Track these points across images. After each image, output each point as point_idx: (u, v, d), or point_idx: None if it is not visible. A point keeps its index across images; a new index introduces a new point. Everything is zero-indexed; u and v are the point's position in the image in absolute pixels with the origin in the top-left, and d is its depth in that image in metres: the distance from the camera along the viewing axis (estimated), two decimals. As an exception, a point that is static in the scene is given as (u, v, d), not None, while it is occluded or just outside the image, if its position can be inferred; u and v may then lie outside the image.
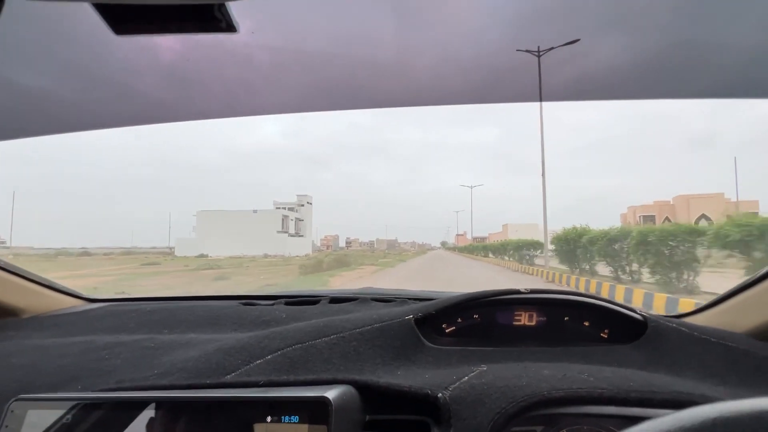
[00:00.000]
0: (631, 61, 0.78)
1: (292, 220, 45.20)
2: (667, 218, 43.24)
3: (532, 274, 14.51)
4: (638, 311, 0.80)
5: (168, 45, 1.00)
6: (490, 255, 31.82)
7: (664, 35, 0.75)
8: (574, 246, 11.80)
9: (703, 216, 39.95)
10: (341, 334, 0.68)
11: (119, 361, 0.68)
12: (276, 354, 0.63)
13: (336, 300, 1.05)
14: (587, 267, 11.47)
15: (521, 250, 20.37)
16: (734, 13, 0.71)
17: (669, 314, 0.96)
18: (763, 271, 0.79)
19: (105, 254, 36.31)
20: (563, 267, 13.27)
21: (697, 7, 0.71)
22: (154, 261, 25.30)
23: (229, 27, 0.52)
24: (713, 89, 0.81)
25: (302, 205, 49.34)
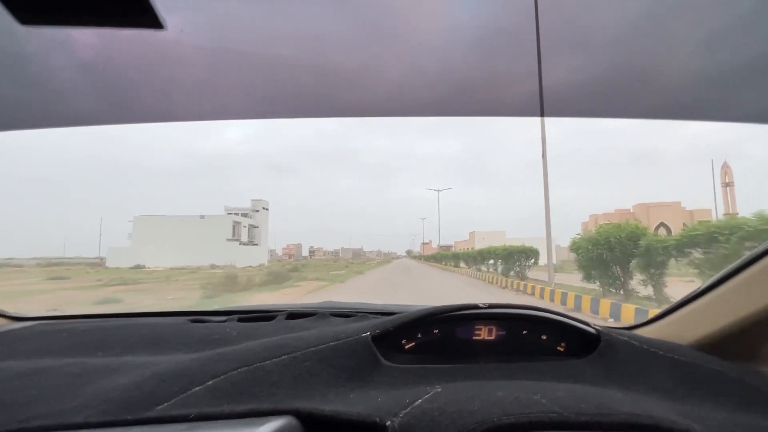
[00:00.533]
0: (581, 82, 0.89)
1: (245, 226, 43.46)
2: (626, 227, 46.93)
3: (535, 294, 10.89)
4: (592, 325, 0.85)
5: (85, 40, 0.94)
6: (462, 264, 29.03)
7: (610, 58, 0.84)
8: (622, 253, 8.27)
9: (662, 224, 43.89)
10: (293, 354, 0.67)
11: (35, 392, 0.62)
12: (219, 379, 0.60)
13: (293, 315, 1.04)
14: (644, 288, 8.05)
15: (509, 260, 16.62)
16: (673, 39, 0.82)
17: (621, 326, 1.05)
18: (706, 285, 0.86)
19: (16, 266, 32.68)
20: (588, 285, 9.54)
21: (640, 34, 0.82)
22: (60, 275, 21.64)
23: (155, 23, 0.50)
24: (653, 110, 0.93)
25: (257, 211, 47.61)
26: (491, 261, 20.16)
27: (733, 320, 0.78)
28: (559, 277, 14.80)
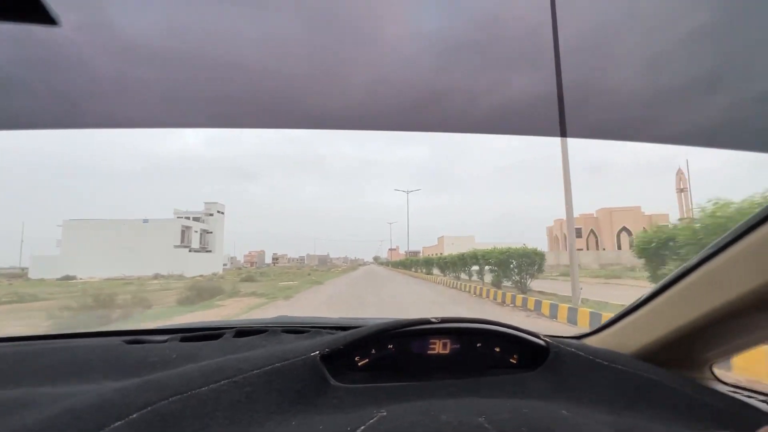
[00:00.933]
0: (536, 98, 0.91)
1: (196, 231, 41.54)
2: (592, 231, 49.88)
3: (559, 317, 7.57)
4: (542, 336, 0.90)
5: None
6: (436, 271, 25.77)
7: (565, 75, 0.86)
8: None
9: (624, 228, 47.10)
10: (233, 379, 0.64)
11: None
12: (144, 411, 0.56)
13: (242, 333, 1.02)
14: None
15: (504, 266, 13.27)
16: (621, 59, 0.86)
17: (571, 335, 1.10)
18: (647, 294, 0.92)
19: None
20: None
21: (590, 53, 0.86)
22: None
23: (46, 19, 0.45)
24: (599, 130, 0.98)
25: (211, 215, 45.71)
26: (475, 267, 17.40)
27: (669, 330, 0.84)
28: (557, 286, 13.02)
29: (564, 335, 1.05)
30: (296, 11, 0.80)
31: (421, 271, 30.83)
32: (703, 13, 0.75)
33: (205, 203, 46.38)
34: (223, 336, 1.00)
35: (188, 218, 42.21)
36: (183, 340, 0.99)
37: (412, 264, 37.54)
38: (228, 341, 0.96)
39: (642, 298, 0.93)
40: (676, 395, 0.73)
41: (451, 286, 17.76)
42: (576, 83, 0.90)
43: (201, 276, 31.78)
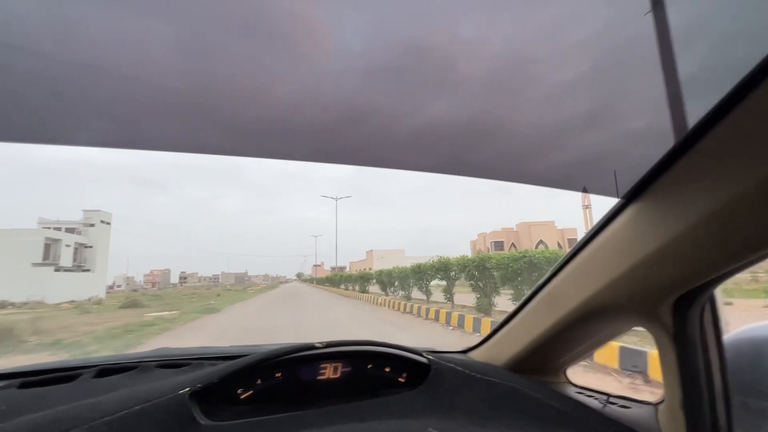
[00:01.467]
0: (450, 125, 0.94)
1: (68, 245, 33.38)
2: (513, 244, 52.44)
3: None
4: (425, 354, 0.96)
5: None
6: (373, 290, 21.88)
7: (473, 105, 0.91)
8: None
9: (541, 241, 50.34)
10: (73, 431, 0.57)
11: None
12: None
13: (107, 371, 0.87)
14: None
15: (514, 280, 9.14)
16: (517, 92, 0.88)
17: (457, 350, 1.17)
18: (514, 309, 1.01)
19: None
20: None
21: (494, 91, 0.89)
22: None
23: None
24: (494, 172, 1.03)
25: (92, 225, 37.44)
26: (435, 282, 12.75)
27: (528, 341, 0.94)
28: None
29: (450, 350, 1.13)
30: (213, 13, 0.73)
31: (353, 289, 26.98)
32: (584, 63, 0.81)
33: (84, 211, 37.68)
34: (80, 377, 0.85)
35: (58, 229, 33.90)
36: (23, 386, 0.82)
37: (342, 280, 33.46)
38: (85, 383, 0.83)
39: (511, 312, 1.02)
40: (532, 401, 0.80)
41: (403, 309, 12.91)
42: (477, 118, 0.93)
43: (71, 302, 25.55)
